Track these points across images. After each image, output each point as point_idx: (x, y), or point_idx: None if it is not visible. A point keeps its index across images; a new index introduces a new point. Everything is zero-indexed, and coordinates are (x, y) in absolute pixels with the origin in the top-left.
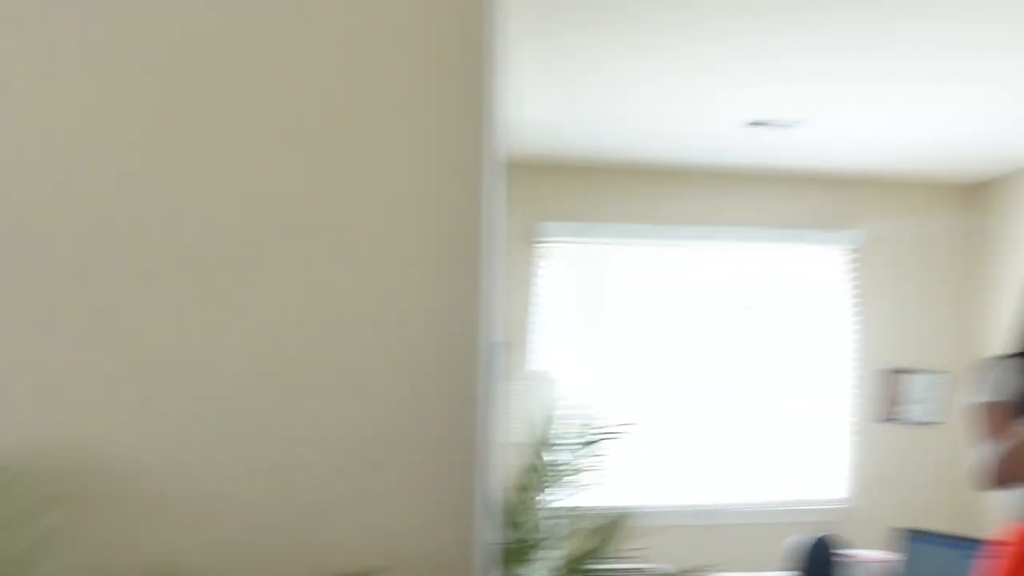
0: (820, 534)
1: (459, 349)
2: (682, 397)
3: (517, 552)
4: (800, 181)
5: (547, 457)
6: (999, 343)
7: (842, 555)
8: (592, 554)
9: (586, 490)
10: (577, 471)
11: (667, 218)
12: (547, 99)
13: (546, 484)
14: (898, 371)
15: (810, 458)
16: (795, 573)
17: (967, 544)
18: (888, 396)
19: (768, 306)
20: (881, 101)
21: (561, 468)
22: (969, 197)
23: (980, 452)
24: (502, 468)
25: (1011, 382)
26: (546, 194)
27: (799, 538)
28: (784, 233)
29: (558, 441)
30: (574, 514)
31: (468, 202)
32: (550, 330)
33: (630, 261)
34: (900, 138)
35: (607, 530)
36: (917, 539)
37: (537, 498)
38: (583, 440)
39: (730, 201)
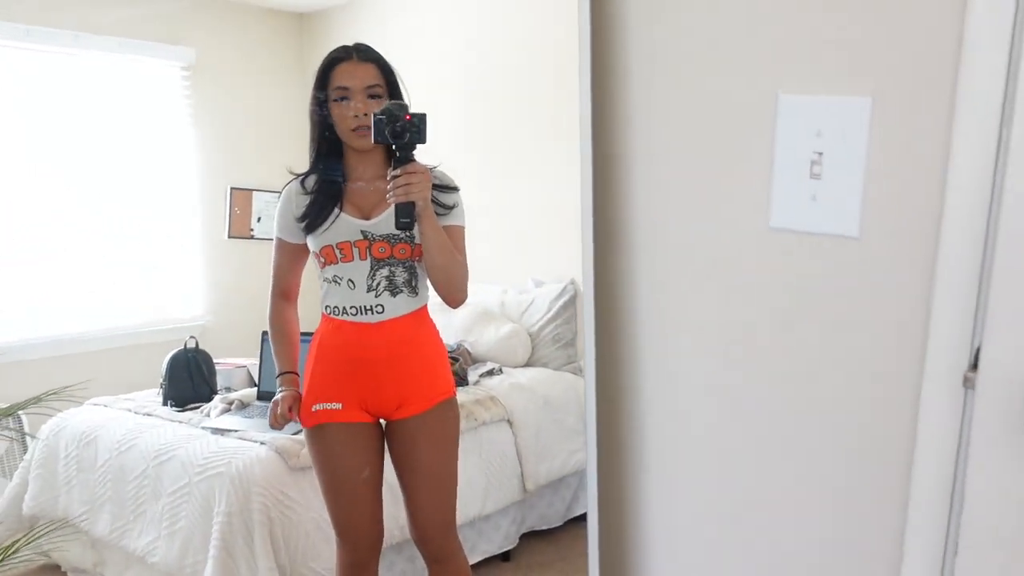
0: (187, 347)
1: None
2: (22, 221)
3: None
4: None
5: None
6: None
7: (208, 363)
8: None
9: None
10: None
11: None
12: None
13: None
14: (241, 189)
15: (166, 278)
16: (167, 384)
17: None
18: (234, 214)
19: (109, 117)
20: None
21: None
22: (300, 26)
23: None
24: None
25: (287, 212)
26: None
27: (170, 353)
28: (116, 42)
29: None
30: None
31: None
32: None
33: None
34: None
35: None
36: (268, 339)
37: None
38: None
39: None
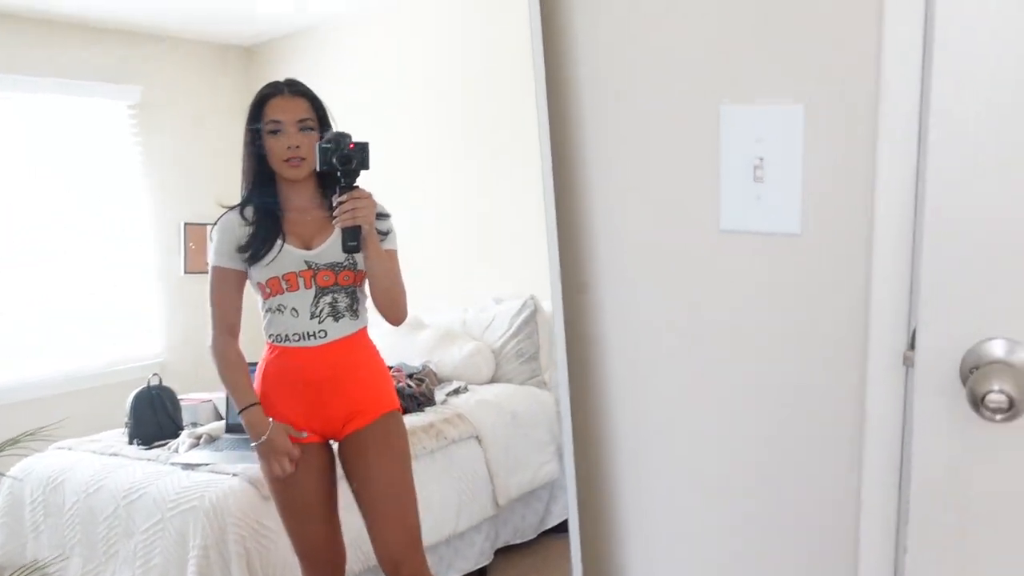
0: (150, 384)
1: None
2: None
3: None
4: (81, 29)
5: None
6: None
7: (173, 399)
8: None
9: None
10: None
11: None
12: None
13: None
14: (196, 224)
15: (124, 317)
16: (132, 423)
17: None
18: (189, 249)
19: (54, 162)
20: None
21: None
22: (247, 59)
23: (211, 316)
24: None
25: (229, 241)
26: None
27: (133, 392)
28: (63, 83)
29: None
30: None
31: None
32: None
33: None
34: None
35: None
36: None
37: None
38: None
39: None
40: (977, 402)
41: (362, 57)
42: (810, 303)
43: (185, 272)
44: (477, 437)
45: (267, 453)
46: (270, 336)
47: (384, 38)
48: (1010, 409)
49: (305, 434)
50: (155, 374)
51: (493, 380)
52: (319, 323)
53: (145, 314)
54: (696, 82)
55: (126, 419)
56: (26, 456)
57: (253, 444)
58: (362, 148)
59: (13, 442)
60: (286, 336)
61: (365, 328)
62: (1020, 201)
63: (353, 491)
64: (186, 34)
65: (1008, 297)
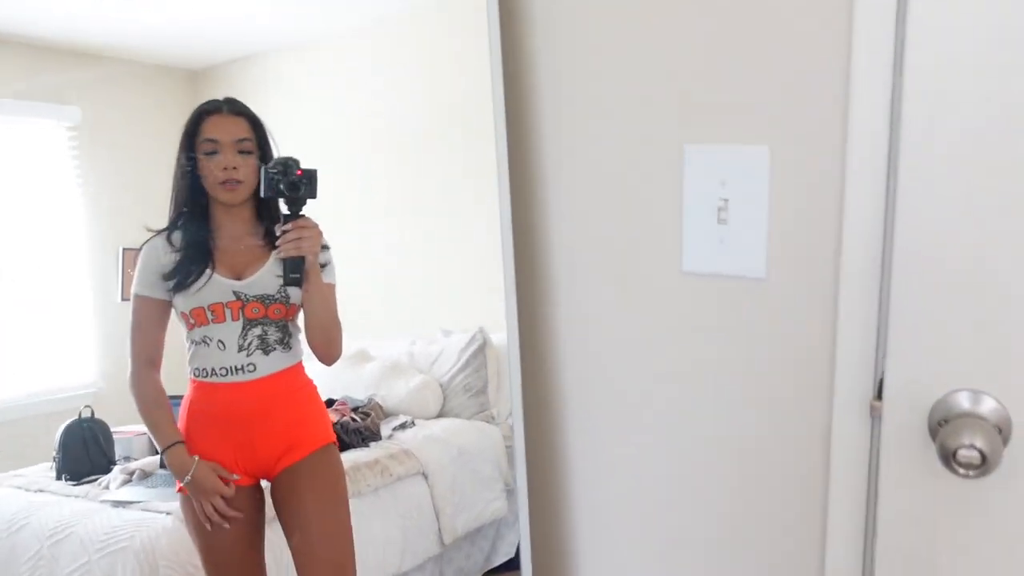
0: (81, 417)
1: None
2: None
3: None
4: (15, 47)
5: None
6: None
7: (105, 432)
8: None
9: None
10: None
11: None
12: None
13: None
14: (134, 250)
15: (55, 345)
16: (61, 457)
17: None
18: (126, 275)
19: None
20: None
21: None
22: (192, 83)
23: (130, 348)
24: None
25: (154, 269)
26: None
27: (62, 424)
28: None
29: None
30: None
31: None
32: None
33: None
34: (127, 17)
35: None
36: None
37: None
38: None
39: None
40: (948, 458)
41: (312, 79)
42: (775, 349)
43: (122, 299)
44: (424, 473)
45: (196, 493)
46: (195, 371)
47: (334, 61)
48: (982, 465)
49: (236, 476)
50: (87, 406)
51: (441, 415)
52: (247, 356)
53: (78, 342)
54: (661, 118)
55: (54, 453)
56: None
57: (179, 486)
58: (310, 176)
59: None
60: (212, 371)
61: (300, 362)
62: (992, 249)
63: (284, 531)
64: (130, 55)
65: (980, 347)
